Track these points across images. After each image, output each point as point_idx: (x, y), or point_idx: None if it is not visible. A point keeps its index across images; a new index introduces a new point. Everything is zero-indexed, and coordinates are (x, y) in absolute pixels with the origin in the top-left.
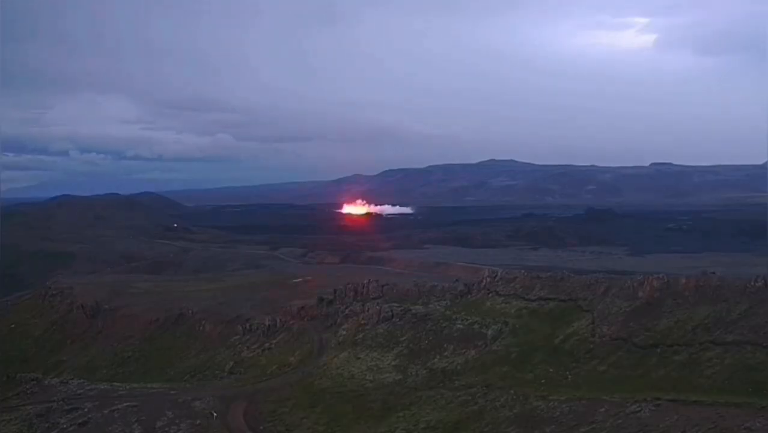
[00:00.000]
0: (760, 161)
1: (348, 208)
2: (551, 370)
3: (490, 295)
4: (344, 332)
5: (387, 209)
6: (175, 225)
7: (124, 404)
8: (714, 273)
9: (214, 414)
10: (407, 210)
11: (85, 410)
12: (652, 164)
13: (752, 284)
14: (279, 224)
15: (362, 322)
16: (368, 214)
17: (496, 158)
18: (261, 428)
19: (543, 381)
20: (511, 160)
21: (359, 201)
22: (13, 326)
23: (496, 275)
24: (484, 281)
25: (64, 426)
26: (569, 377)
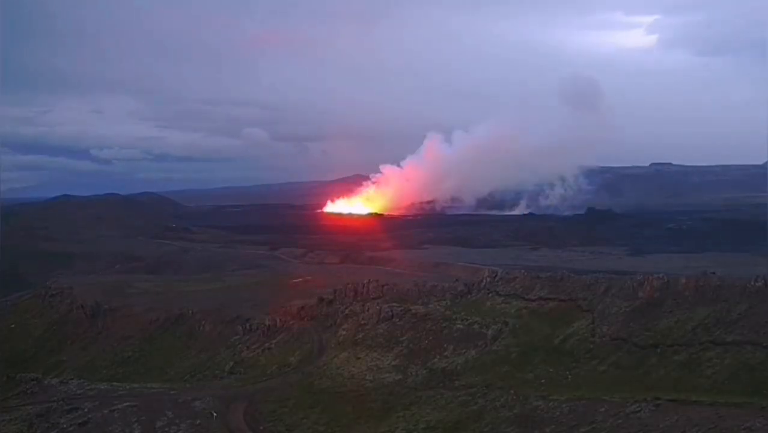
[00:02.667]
0: (760, 161)
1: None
2: (551, 370)
3: (490, 295)
4: (344, 332)
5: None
6: (174, 225)
7: (124, 404)
8: (714, 273)
9: (214, 414)
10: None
11: (85, 410)
12: (652, 164)
13: (752, 284)
14: (279, 224)
15: (362, 322)
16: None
17: None
18: (261, 428)
19: (543, 381)
20: None
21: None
22: (13, 326)
23: (496, 275)
24: (484, 281)
25: (64, 426)
26: (569, 377)
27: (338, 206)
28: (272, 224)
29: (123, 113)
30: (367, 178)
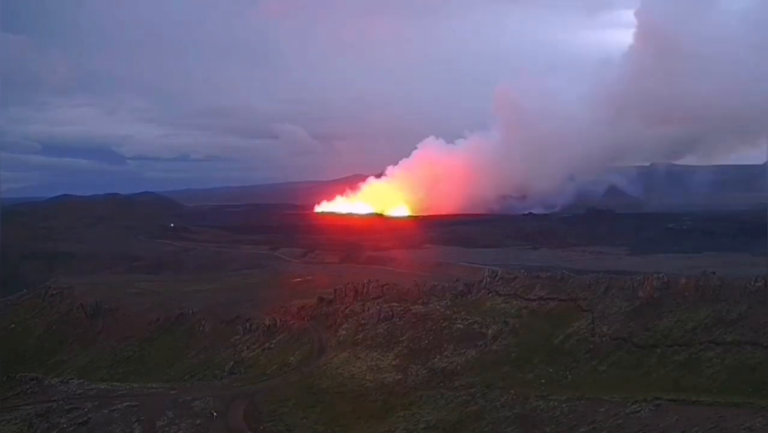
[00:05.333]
0: (760, 161)
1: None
2: (551, 370)
3: (490, 295)
4: (344, 332)
5: None
6: (173, 225)
7: (124, 404)
8: (714, 273)
9: (215, 414)
10: None
11: (85, 410)
12: (652, 164)
13: (752, 284)
14: (279, 224)
15: (362, 322)
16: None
17: None
18: (261, 428)
19: (543, 381)
20: None
21: None
22: (13, 326)
23: (496, 275)
24: (484, 280)
25: (64, 426)
26: (569, 377)
27: (337, 206)
28: (272, 223)
29: (133, 113)
30: (365, 177)
